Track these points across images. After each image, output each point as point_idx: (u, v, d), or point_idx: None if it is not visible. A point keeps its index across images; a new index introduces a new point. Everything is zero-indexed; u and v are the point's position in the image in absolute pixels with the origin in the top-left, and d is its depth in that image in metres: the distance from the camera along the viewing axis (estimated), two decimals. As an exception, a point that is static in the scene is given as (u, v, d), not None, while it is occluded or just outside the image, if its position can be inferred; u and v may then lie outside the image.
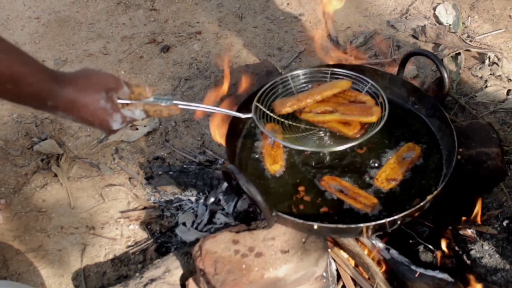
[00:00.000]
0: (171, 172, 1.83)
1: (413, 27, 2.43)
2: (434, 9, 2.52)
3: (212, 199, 1.69)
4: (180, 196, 1.78)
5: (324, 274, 1.43)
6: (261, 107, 1.46)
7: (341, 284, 1.48)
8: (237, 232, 1.40)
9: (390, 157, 1.48)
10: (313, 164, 1.50)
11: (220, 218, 1.64)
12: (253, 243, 1.36)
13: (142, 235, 1.72)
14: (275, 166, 1.47)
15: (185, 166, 1.88)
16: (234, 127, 1.55)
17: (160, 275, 1.49)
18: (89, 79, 1.08)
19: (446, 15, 2.47)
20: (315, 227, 1.28)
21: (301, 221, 1.28)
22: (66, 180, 1.90)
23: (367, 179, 1.44)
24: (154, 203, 1.79)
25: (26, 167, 1.96)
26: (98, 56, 2.45)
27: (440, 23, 2.45)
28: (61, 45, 2.53)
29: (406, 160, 1.45)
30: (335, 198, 1.40)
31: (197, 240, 1.53)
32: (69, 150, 2.01)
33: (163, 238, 1.69)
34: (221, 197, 1.68)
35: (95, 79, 1.09)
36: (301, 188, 1.44)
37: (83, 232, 1.75)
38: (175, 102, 1.21)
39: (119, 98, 1.13)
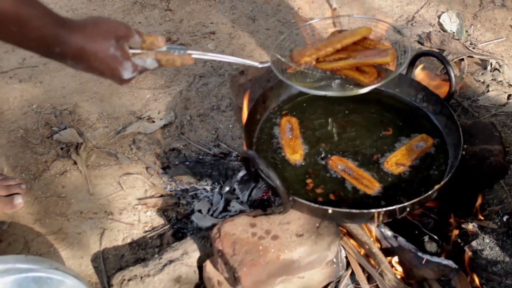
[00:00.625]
0: (187, 163, 1.91)
1: (418, 33, 2.53)
2: (439, 17, 2.62)
3: (227, 188, 1.76)
4: (195, 186, 1.86)
5: (335, 260, 1.51)
6: (279, 56, 1.45)
7: (350, 270, 1.55)
8: (254, 216, 1.48)
9: (402, 145, 1.58)
10: (327, 150, 1.59)
11: (235, 206, 1.71)
12: (270, 227, 1.44)
13: (159, 221, 1.79)
14: (295, 155, 1.55)
15: (200, 157, 1.96)
16: (253, 117, 1.64)
17: (178, 257, 1.56)
18: (98, 26, 1.04)
19: (450, 23, 2.58)
20: (330, 211, 1.36)
21: (316, 205, 1.36)
22: (85, 168, 1.97)
23: (377, 163, 1.55)
24: (171, 191, 1.86)
25: (46, 155, 2.03)
26: (114, 52, 2.53)
27: (444, 30, 2.55)
28: (78, 41, 2.61)
29: (417, 149, 1.54)
30: (347, 186, 1.49)
31: (213, 226, 1.61)
32: (87, 140, 2.09)
33: (179, 224, 1.76)
34: (236, 186, 1.75)
35: (105, 26, 1.05)
36: (309, 181, 1.52)
37: (101, 217, 1.82)
38: (188, 51, 1.19)
39: (130, 48, 1.09)
